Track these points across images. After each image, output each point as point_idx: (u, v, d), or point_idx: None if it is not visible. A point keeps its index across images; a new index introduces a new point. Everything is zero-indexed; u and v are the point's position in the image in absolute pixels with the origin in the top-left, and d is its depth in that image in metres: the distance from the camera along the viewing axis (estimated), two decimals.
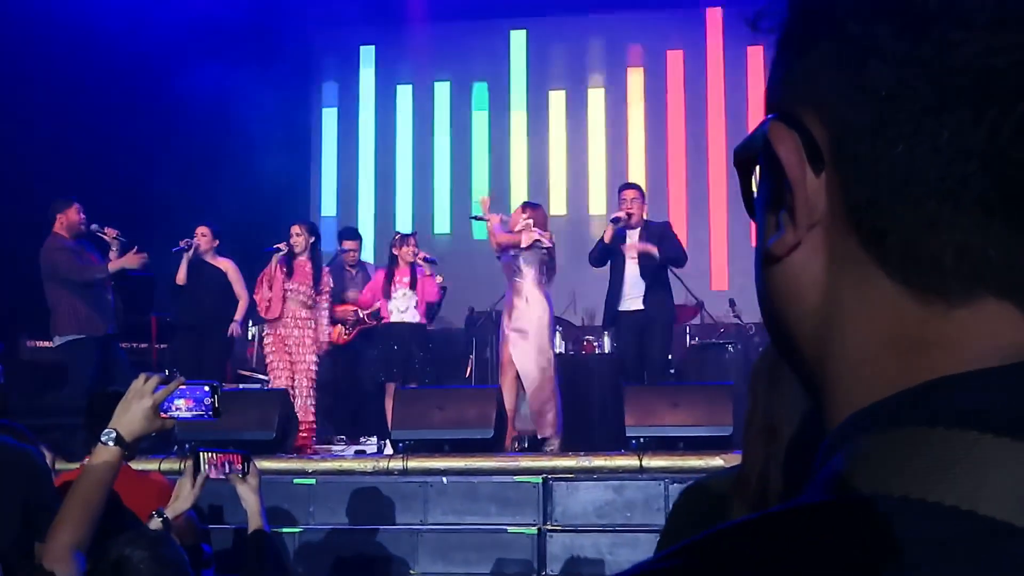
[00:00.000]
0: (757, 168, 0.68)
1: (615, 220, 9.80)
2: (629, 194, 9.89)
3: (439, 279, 10.78)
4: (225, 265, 10.79)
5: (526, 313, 9.43)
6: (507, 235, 9.55)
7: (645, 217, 9.90)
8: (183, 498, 3.89)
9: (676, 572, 0.56)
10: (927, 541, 0.54)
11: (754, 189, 0.69)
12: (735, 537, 0.57)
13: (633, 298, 9.70)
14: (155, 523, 3.73)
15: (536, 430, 9.37)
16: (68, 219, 9.96)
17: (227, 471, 4.00)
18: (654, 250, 9.58)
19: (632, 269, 9.69)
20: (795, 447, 2.15)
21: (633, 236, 9.73)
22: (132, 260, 9.99)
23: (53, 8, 12.59)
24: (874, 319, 0.62)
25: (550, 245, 9.52)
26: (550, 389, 9.35)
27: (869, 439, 0.59)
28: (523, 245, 9.42)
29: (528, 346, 9.36)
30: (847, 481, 0.58)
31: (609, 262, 9.82)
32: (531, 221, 9.56)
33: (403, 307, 10.46)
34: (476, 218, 10.49)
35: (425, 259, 10.64)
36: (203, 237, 10.67)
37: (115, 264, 10.00)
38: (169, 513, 3.80)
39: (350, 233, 11.67)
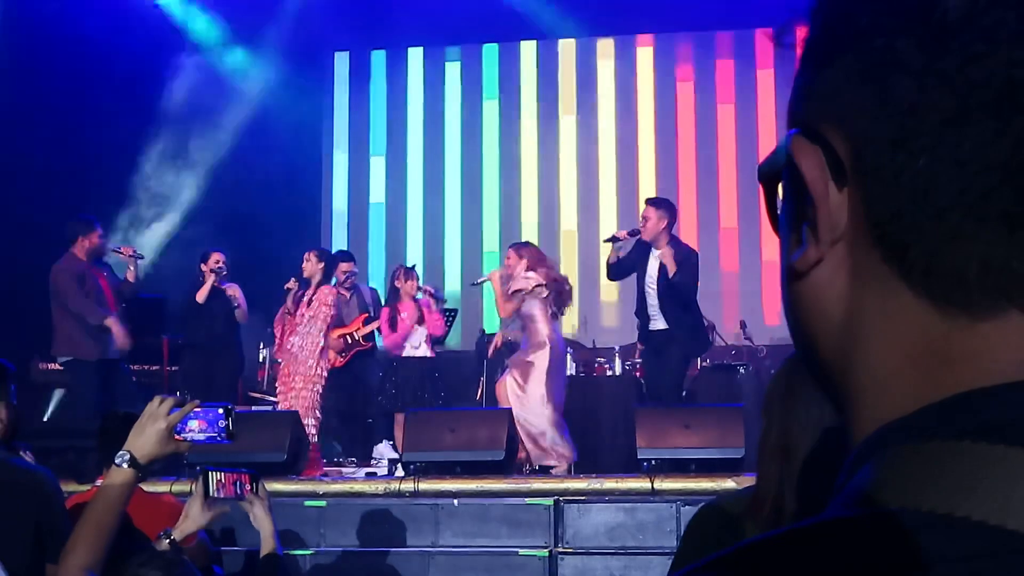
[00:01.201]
0: (781, 185, 0.69)
1: (613, 239, 9.85)
2: (647, 211, 9.76)
3: (442, 305, 10.87)
4: (233, 290, 10.90)
5: (528, 351, 9.47)
6: (509, 301, 9.57)
7: (669, 233, 9.72)
8: (192, 519, 3.84)
9: None
10: (955, 557, 0.53)
11: (778, 206, 0.69)
12: (764, 551, 0.57)
13: (656, 318, 9.68)
14: (163, 544, 3.69)
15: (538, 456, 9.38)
16: (90, 243, 10.03)
17: (236, 491, 3.96)
18: (672, 266, 9.53)
19: (652, 288, 9.64)
20: (809, 468, 2.15)
21: (654, 256, 9.67)
22: (122, 341, 10.04)
23: (85, 49, 12.73)
24: (898, 333, 0.62)
25: (543, 283, 9.51)
26: (545, 422, 9.34)
27: (895, 453, 0.59)
28: (522, 302, 9.47)
29: (521, 385, 9.39)
30: (874, 496, 0.58)
31: (637, 278, 9.80)
32: (524, 265, 9.60)
33: (416, 343, 10.55)
34: (477, 283, 10.62)
35: (433, 295, 10.71)
36: (217, 264, 10.81)
37: (115, 325, 10.04)
38: (177, 535, 3.77)
39: (345, 256, 11.70)
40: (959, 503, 0.55)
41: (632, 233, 9.75)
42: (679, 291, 9.54)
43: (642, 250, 9.76)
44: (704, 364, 11.46)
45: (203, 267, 10.88)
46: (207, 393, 8.26)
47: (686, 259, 9.63)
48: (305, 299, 10.15)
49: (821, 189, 0.63)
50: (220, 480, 3.91)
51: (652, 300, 9.65)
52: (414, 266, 11.16)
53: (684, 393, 10.11)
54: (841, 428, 0.66)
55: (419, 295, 10.64)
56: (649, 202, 10.03)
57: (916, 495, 0.56)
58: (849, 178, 0.63)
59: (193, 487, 3.96)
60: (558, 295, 9.59)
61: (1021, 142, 0.57)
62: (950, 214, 0.59)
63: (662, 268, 9.56)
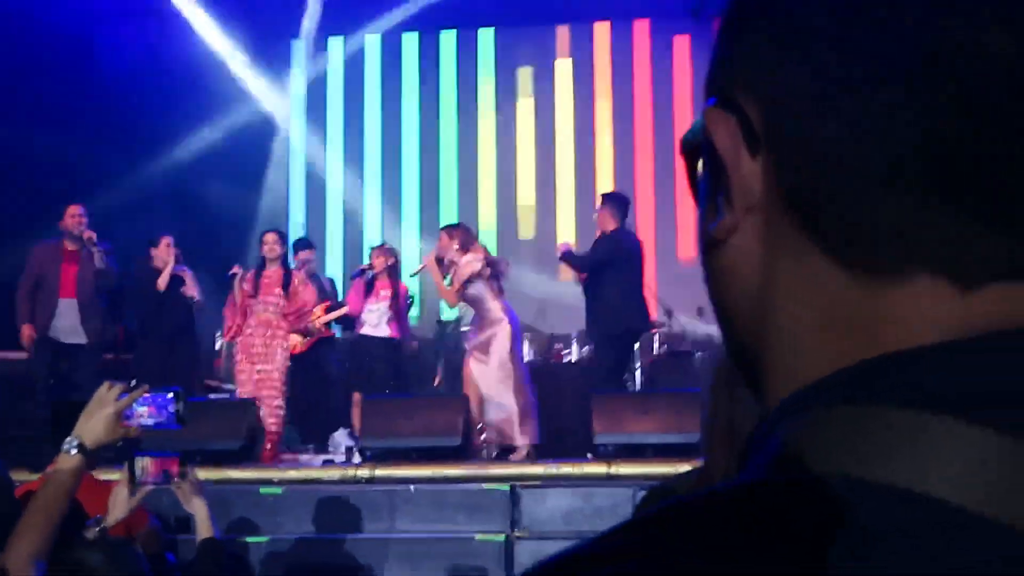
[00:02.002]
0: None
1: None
2: (599, 209, 10.08)
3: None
4: (185, 274, 10.81)
5: (485, 330, 9.46)
6: (449, 291, 9.61)
7: (609, 228, 9.93)
8: (119, 506, 3.76)
9: (615, 554, 0.55)
10: (866, 519, 0.53)
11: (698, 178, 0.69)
12: (677, 516, 0.56)
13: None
14: (92, 532, 3.59)
15: (502, 440, 9.37)
16: (62, 224, 10.00)
17: (163, 476, 3.89)
18: (577, 277, 9.84)
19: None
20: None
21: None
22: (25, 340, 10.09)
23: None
24: (811, 299, 0.62)
25: (479, 267, 9.53)
26: (513, 401, 9.33)
27: (808, 418, 0.58)
28: (463, 280, 9.49)
29: (487, 364, 9.37)
30: (785, 460, 0.57)
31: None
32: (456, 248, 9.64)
33: (375, 321, 10.46)
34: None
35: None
36: (167, 247, 10.67)
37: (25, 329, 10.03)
38: (108, 522, 3.67)
39: (304, 243, 11.63)
40: (875, 467, 0.55)
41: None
42: (591, 280, 9.75)
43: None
44: (661, 350, 11.51)
45: (153, 252, 10.74)
46: (164, 382, 8.19)
47: (608, 242, 9.82)
48: (263, 280, 10.09)
49: (733, 157, 0.63)
50: (145, 465, 3.85)
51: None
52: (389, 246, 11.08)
53: (628, 376, 10.23)
54: None
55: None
56: (602, 196, 10.35)
57: (826, 458, 0.56)
58: (763, 146, 0.62)
59: (120, 474, 3.92)
60: (498, 271, 9.62)
61: (928, 110, 0.57)
62: (859, 180, 0.59)
63: (589, 251, 9.89)
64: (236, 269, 10.25)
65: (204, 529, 4.00)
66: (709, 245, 0.67)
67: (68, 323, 10.08)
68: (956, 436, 0.55)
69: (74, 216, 10.10)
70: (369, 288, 10.55)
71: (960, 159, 0.58)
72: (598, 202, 10.23)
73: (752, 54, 0.63)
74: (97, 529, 3.52)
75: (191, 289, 10.69)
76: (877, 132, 0.58)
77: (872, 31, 0.59)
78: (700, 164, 0.68)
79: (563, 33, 15.86)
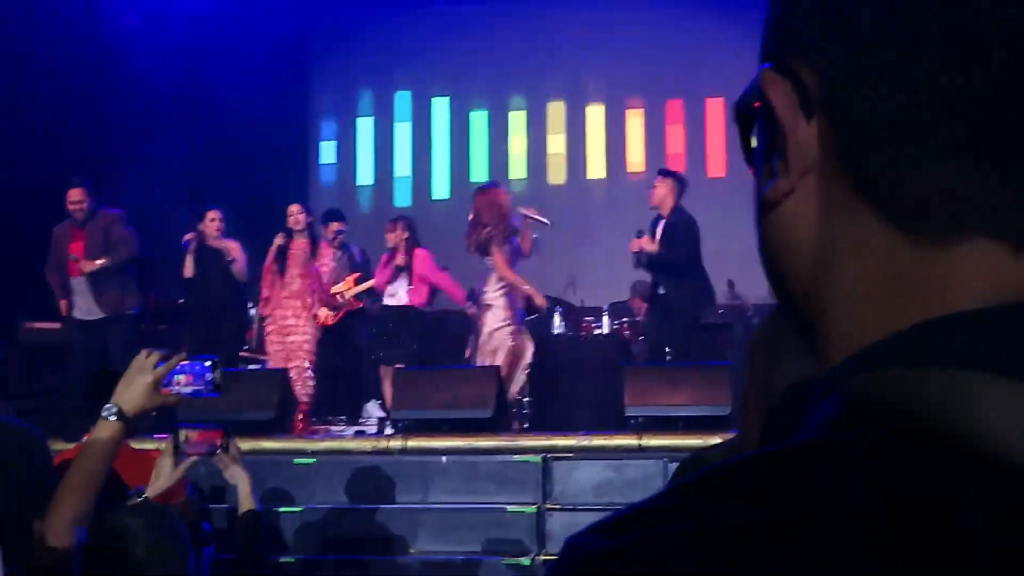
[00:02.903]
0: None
1: (639, 233, 9.93)
2: (655, 181, 10.01)
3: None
4: (230, 246, 10.79)
5: (491, 290, 9.53)
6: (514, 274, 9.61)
7: (677, 206, 9.87)
8: (164, 477, 3.83)
9: (678, 509, 0.56)
10: (920, 480, 0.54)
11: (753, 142, 0.69)
12: (732, 475, 0.57)
13: (659, 284, 9.84)
14: (134, 502, 3.58)
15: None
16: (67, 202, 10.01)
17: (207, 448, 3.94)
18: (652, 249, 9.63)
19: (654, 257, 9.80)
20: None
21: (660, 227, 9.82)
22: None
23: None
24: (866, 263, 0.62)
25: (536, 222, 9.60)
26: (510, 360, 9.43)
27: (863, 380, 0.59)
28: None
29: (493, 318, 9.45)
30: (843, 421, 0.58)
31: None
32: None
33: (392, 291, 10.49)
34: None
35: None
36: (211, 222, 10.70)
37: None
38: (150, 492, 3.71)
39: (335, 215, 11.64)
40: (928, 427, 0.56)
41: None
42: (670, 260, 9.65)
43: (655, 220, 9.94)
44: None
45: (199, 226, 10.81)
46: (206, 352, 8.23)
47: (679, 228, 9.72)
48: (290, 252, 10.12)
49: (790, 120, 0.64)
50: (189, 437, 3.90)
51: (653, 268, 9.86)
52: (401, 218, 11.07)
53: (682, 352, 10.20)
54: None
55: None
56: (662, 174, 10.22)
57: (883, 421, 0.57)
58: (817, 109, 0.63)
59: (164, 445, 3.95)
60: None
61: (983, 74, 0.58)
62: (910, 144, 0.59)
63: (663, 237, 9.68)
64: (280, 239, 10.24)
65: (246, 502, 4.05)
66: (764, 208, 0.67)
67: (83, 301, 10.11)
68: (1013, 397, 0.55)
69: (72, 203, 10.11)
70: (391, 261, 10.58)
71: (1015, 123, 0.58)
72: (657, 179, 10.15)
73: (806, 18, 0.64)
74: (139, 500, 3.54)
75: (238, 264, 10.71)
76: (932, 96, 0.59)
77: None
78: (755, 128, 0.69)
79: None
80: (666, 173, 10.26)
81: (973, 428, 0.55)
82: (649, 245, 9.67)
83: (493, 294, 9.44)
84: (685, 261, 9.66)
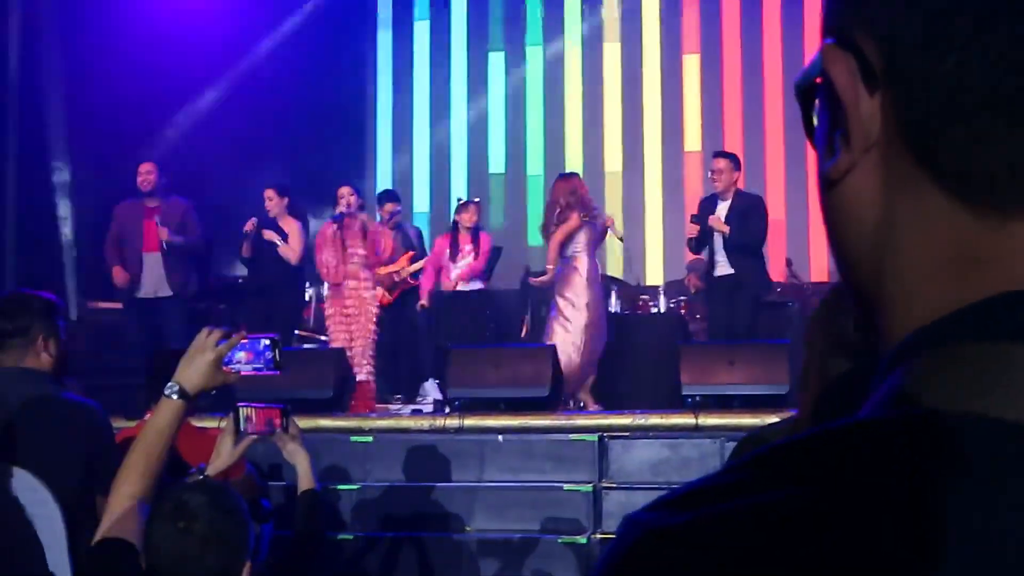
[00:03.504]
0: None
1: (696, 218, 9.89)
2: (719, 163, 9.93)
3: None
4: (290, 227, 10.85)
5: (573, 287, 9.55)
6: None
7: (738, 187, 9.86)
8: (224, 455, 3.86)
9: (742, 486, 0.57)
10: (992, 457, 0.54)
11: (815, 120, 0.69)
12: (799, 450, 0.57)
13: (722, 264, 9.76)
14: (195, 480, 3.63)
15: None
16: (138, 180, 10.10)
17: (266, 427, 3.95)
18: (725, 229, 9.60)
19: (719, 238, 9.73)
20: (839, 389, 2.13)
21: (723, 208, 9.77)
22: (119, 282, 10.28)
23: None
24: (931, 237, 0.61)
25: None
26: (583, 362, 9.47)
27: (930, 356, 0.59)
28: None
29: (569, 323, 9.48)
30: (908, 397, 0.58)
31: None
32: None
33: (466, 276, 10.57)
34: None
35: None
36: (270, 201, 10.77)
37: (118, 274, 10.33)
38: (210, 471, 3.75)
39: (390, 195, 11.67)
40: (994, 403, 0.55)
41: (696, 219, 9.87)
42: (744, 241, 9.62)
43: (711, 201, 9.91)
44: None
45: (266, 206, 10.88)
46: (264, 330, 8.28)
47: (752, 209, 9.71)
48: (344, 233, 10.15)
49: (852, 95, 0.63)
50: (250, 416, 3.92)
51: (718, 247, 9.76)
52: (476, 200, 11.15)
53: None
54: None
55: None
56: (719, 155, 10.19)
57: (951, 396, 0.56)
58: (881, 84, 0.62)
59: (224, 423, 3.98)
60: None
61: None
62: (979, 115, 0.58)
63: (728, 218, 9.65)
64: (342, 207, 10.27)
65: (305, 481, 4.04)
66: (827, 185, 0.67)
67: (154, 277, 10.22)
68: None
69: (141, 174, 10.22)
70: (455, 243, 10.62)
71: None
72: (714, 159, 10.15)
73: None
74: (200, 478, 3.57)
75: (295, 244, 10.76)
76: (997, 66, 0.58)
77: None
78: (816, 105, 0.68)
79: None
80: (724, 155, 10.22)
81: None
82: (721, 226, 9.62)
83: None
84: (760, 242, 9.64)
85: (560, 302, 9.56)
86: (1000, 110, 0.58)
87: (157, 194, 10.28)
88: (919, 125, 0.61)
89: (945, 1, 0.59)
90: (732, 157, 10.12)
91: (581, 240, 9.59)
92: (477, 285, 10.68)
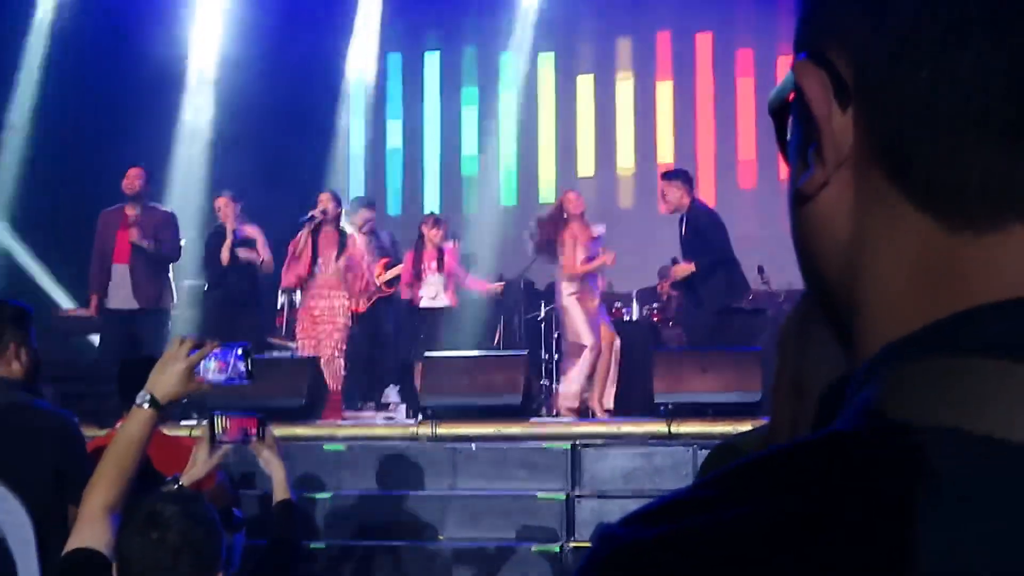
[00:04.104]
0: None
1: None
2: (672, 185, 9.83)
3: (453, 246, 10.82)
4: (253, 233, 10.78)
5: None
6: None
7: (686, 202, 9.78)
8: (199, 464, 3.84)
9: (715, 500, 0.57)
10: (961, 470, 0.54)
11: (788, 136, 0.69)
12: (770, 464, 0.58)
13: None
14: (170, 489, 3.58)
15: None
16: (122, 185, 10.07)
17: (242, 436, 3.94)
18: (690, 269, 9.64)
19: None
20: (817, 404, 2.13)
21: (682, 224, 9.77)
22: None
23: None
24: (903, 252, 0.62)
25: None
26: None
27: (902, 369, 0.59)
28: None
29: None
30: (881, 410, 0.58)
31: None
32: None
33: (432, 293, 10.50)
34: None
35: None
36: (222, 210, 10.69)
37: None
38: (185, 480, 3.74)
39: (363, 202, 11.63)
40: (966, 417, 0.55)
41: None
42: (710, 260, 9.58)
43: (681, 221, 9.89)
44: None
45: (218, 215, 10.79)
46: (233, 339, 8.22)
47: (708, 226, 9.68)
48: (320, 241, 10.09)
49: (824, 110, 0.63)
50: (225, 424, 3.90)
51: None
52: (442, 216, 11.10)
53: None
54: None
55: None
56: (665, 177, 10.12)
57: (923, 409, 0.57)
58: (853, 99, 0.62)
59: (200, 432, 3.95)
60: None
61: (1019, 56, 0.57)
62: (951, 127, 0.59)
63: (686, 234, 9.67)
64: (317, 213, 10.16)
65: (280, 491, 4.04)
66: (799, 201, 0.67)
67: (122, 290, 10.04)
68: None
69: (128, 178, 10.09)
70: (418, 261, 10.58)
71: None
72: (660, 183, 10.10)
73: (839, 7, 0.64)
74: (175, 487, 3.56)
75: (262, 251, 10.69)
76: (969, 80, 0.58)
77: None
78: (790, 120, 0.68)
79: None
80: (670, 176, 10.11)
81: (1005, 417, 0.55)
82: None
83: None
84: (718, 253, 9.63)
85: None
86: (970, 125, 0.58)
87: (140, 200, 10.15)
88: (891, 140, 0.61)
89: (915, 17, 0.59)
90: (676, 176, 10.02)
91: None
92: (445, 302, 10.60)
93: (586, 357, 9.51)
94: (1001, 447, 0.54)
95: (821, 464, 0.56)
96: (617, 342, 9.77)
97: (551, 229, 9.78)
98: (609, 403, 9.62)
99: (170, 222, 10.30)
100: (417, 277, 10.55)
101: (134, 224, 9.95)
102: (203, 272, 11.05)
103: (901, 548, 0.53)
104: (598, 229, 10.03)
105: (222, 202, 10.74)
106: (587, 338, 9.59)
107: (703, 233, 9.60)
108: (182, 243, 10.41)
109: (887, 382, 0.59)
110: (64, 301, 12.06)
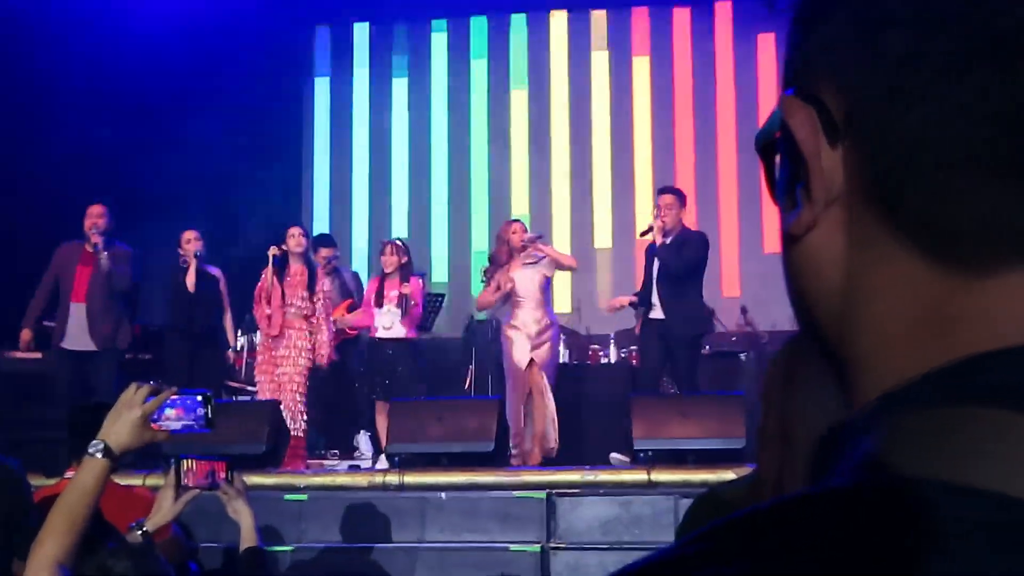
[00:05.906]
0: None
1: (645, 232, 9.70)
2: (665, 199, 9.63)
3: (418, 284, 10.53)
4: (217, 273, 10.59)
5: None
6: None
7: (683, 224, 9.62)
8: (165, 510, 3.81)
9: (701, 557, 0.55)
10: (964, 525, 0.52)
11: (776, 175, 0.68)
12: (765, 520, 0.56)
13: (656, 307, 9.48)
14: (135, 536, 3.63)
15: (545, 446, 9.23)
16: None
17: (209, 480, 3.91)
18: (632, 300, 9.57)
19: (656, 286, 9.50)
20: (810, 454, 1.96)
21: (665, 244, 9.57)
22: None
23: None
24: (897, 297, 0.61)
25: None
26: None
27: (899, 421, 0.57)
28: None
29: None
30: (880, 463, 0.57)
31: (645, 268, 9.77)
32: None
33: (388, 323, 10.19)
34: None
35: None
36: (192, 243, 10.41)
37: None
38: (150, 526, 3.72)
39: (324, 240, 11.42)
40: (968, 470, 0.54)
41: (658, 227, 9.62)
42: (676, 269, 9.35)
43: (652, 247, 9.69)
44: (704, 351, 11.27)
45: (179, 250, 10.52)
46: (188, 383, 7.99)
47: (690, 242, 9.48)
48: (287, 279, 9.84)
49: (813, 148, 0.63)
50: (192, 469, 3.89)
51: (655, 293, 9.51)
52: (402, 241, 10.74)
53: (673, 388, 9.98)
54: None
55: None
56: (665, 191, 9.92)
57: (924, 462, 0.55)
58: (843, 136, 0.62)
59: (165, 477, 3.95)
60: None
61: (1014, 93, 0.56)
62: (946, 166, 0.58)
63: (668, 248, 9.43)
64: (275, 250, 9.92)
65: (248, 538, 4.02)
66: (788, 242, 0.67)
67: (77, 329, 9.89)
68: None
69: (91, 216, 9.85)
70: (380, 289, 10.27)
71: None
72: (657, 196, 9.97)
73: (830, 42, 0.63)
74: (139, 532, 3.59)
75: (224, 293, 10.48)
76: (962, 118, 0.57)
77: (951, 14, 0.58)
78: (777, 159, 0.67)
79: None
80: (670, 190, 9.92)
81: (1006, 471, 0.54)
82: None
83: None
84: (691, 270, 9.38)
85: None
86: (966, 162, 0.58)
87: (102, 238, 9.87)
88: (882, 179, 0.61)
89: (908, 52, 0.59)
90: (678, 192, 9.84)
91: None
92: (401, 333, 10.23)
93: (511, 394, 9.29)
94: (1009, 503, 0.53)
95: (823, 522, 0.54)
96: (543, 381, 9.42)
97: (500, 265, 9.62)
98: (550, 444, 9.32)
99: (130, 261, 10.11)
100: (378, 304, 10.19)
101: (89, 274, 9.73)
102: (167, 308, 10.74)
103: None
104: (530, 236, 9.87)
105: (192, 235, 10.50)
106: (511, 373, 9.41)
107: (682, 250, 9.39)
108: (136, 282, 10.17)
109: (883, 435, 0.58)
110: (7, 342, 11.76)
